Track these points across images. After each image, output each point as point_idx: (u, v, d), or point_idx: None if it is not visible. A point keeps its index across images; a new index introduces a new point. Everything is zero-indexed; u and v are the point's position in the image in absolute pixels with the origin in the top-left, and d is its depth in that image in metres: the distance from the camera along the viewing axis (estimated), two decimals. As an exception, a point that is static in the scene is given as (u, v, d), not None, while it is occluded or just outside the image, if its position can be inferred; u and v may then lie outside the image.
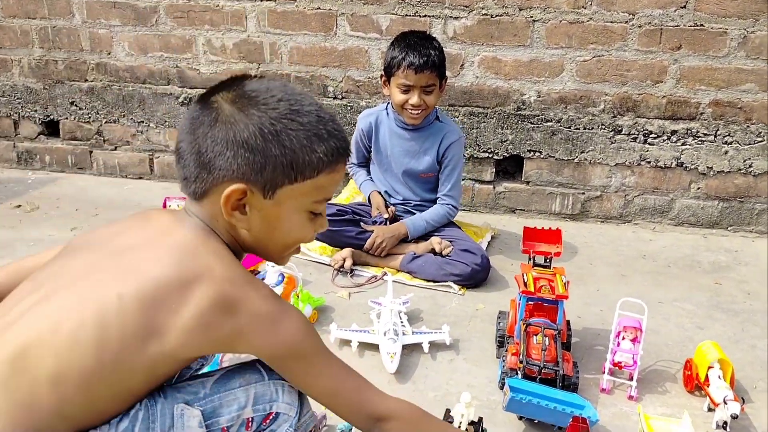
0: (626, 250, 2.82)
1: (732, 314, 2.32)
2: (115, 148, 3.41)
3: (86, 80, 3.28)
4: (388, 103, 2.60)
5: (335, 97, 3.10)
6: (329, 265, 2.53)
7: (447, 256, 2.47)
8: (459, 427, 1.49)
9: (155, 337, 0.99)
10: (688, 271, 2.65)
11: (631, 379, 1.85)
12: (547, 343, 1.81)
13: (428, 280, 2.45)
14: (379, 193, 2.68)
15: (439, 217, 2.61)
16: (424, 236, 2.59)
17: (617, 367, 1.89)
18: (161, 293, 1.00)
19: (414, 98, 2.42)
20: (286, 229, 1.10)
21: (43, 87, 3.34)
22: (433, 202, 2.67)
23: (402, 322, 2.08)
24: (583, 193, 3.07)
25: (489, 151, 3.05)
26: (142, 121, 3.31)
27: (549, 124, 2.97)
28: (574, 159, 3.01)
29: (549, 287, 1.88)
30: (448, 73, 2.92)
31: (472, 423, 1.52)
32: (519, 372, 1.77)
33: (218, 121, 1.02)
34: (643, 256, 2.77)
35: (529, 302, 1.92)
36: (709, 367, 1.82)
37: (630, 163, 2.98)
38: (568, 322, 2.03)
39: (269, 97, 1.04)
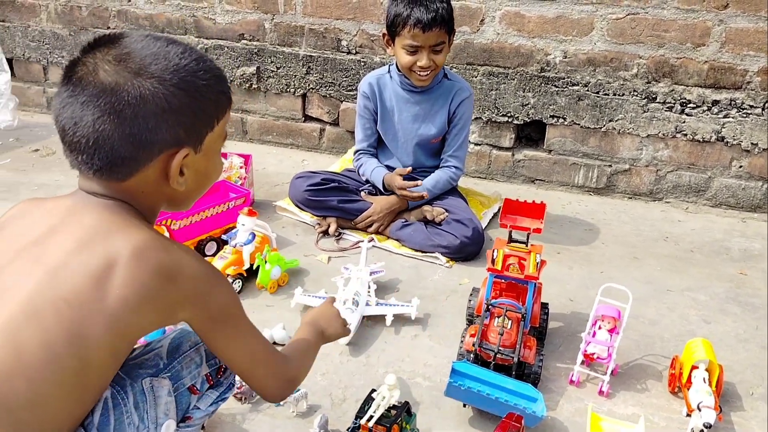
0: (648, 231, 2.57)
1: (749, 309, 2.06)
2: (136, 98, 3.41)
3: (108, 27, 3.27)
4: (391, 64, 2.41)
5: (349, 52, 2.95)
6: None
7: (439, 225, 2.31)
8: (375, 411, 1.37)
9: (103, 326, 0.93)
10: (712, 258, 2.38)
11: (606, 372, 1.67)
12: (509, 327, 1.65)
13: (416, 250, 2.31)
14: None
15: (442, 183, 2.41)
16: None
17: (590, 359, 1.71)
18: (93, 281, 0.93)
19: (423, 59, 2.21)
20: (212, 173, 1.10)
21: (69, 33, 3.36)
22: (433, 167, 2.50)
23: (369, 291, 1.96)
24: (610, 166, 2.81)
25: (509, 115, 2.84)
26: (161, 71, 3.28)
27: (575, 88, 2.72)
28: (601, 128, 2.75)
29: (518, 266, 1.71)
30: (465, 28, 2.73)
31: (394, 407, 1.39)
32: (471, 355, 1.63)
33: (141, 97, 0.96)
34: (665, 239, 2.52)
35: (499, 280, 1.76)
36: (693, 367, 1.61)
37: (664, 134, 2.69)
38: (544, 306, 1.85)
39: (162, 55, 0.99)
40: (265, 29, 3.03)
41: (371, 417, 1.36)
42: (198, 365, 1.18)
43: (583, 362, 1.71)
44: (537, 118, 2.82)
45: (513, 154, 2.92)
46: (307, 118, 3.17)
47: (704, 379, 1.57)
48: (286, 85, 3.10)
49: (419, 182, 2.37)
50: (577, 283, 2.18)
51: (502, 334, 1.62)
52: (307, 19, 2.96)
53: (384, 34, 2.31)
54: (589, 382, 1.71)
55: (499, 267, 1.70)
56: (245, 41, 3.08)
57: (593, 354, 1.69)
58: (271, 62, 3.07)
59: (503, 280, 1.75)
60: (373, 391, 1.44)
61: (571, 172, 2.87)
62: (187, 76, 0.99)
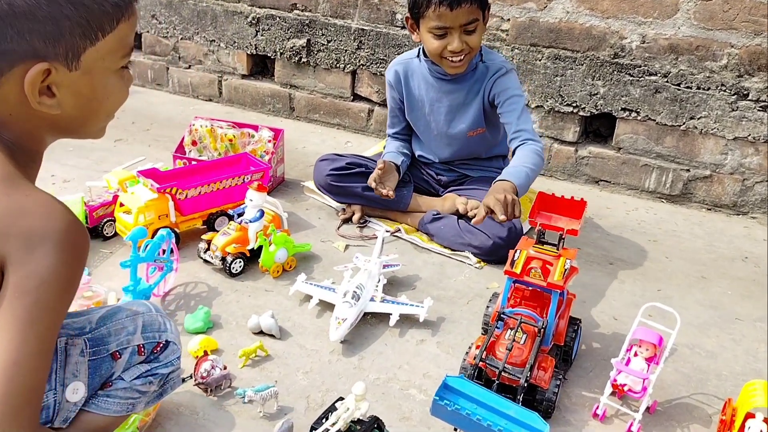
0: (724, 248, 2.20)
1: (838, 353, 1.69)
2: (189, 67, 3.32)
3: (160, -7, 3.21)
4: (421, 47, 2.09)
5: (403, 26, 2.72)
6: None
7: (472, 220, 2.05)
8: (333, 424, 1.15)
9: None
10: (800, 286, 2.00)
11: (639, 409, 1.38)
12: (523, 342, 1.38)
13: (445, 246, 2.06)
14: (396, 166, 2.13)
15: (534, 161, 1.92)
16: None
17: (621, 392, 1.41)
18: None
19: (454, 42, 1.89)
20: (102, 96, 0.94)
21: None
22: (485, 159, 2.24)
23: (377, 285, 1.74)
24: (688, 170, 2.45)
25: (574, 105, 2.53)
26: (213, 40, 3.18)
27: (652, 78, 2.38)
28: (680, 125, 2.40)
29: (542, 271, 1.44)
30: (531, 4, 2.45)
31: (359, 422, 1.17)
32: (470, 370, 1.38)
33: None
34: (743, 259, 2.14)
35: (522, 286, 1.50)
36: (749, 416, 1.29)
37: (755, 138, 2.30)
38: (574, 321, 1.57)
39: None
40: (318, -1, 2.85)
41: (327, 430, 1.14)
42: (130, 333, 1.11)
43: (613, 393, 1.43)
44: (606, 110, 2.49)
45: (576, 150, 2.61)
46: (356, 97, 2.97)
47: (762, 430, 1.26)
48: (336, 60, 2.91)
49: (389, 191, 2.02)
50: (626, 300, 1.87)
51: (510, 349, 1.36)
52: (360, -10, 2.76)
53: (407, 18, 2.00)
54: (617, 418, 1.42)
55: (518, 270, 1.44)
56: (297, 11, 2.92)
57: (624, 385, 1.40)
58: (322, 35, 2.89)
59: (527, 287, 1.49)
60: (340, 399, 1.23)
61: (642, 174, 2.53)
62: None
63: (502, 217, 1.72)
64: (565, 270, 1.43)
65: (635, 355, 1.42)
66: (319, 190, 2.25)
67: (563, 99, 2.54)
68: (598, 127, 2.63)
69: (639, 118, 2.45)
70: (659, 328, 1.46)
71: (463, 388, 1.31)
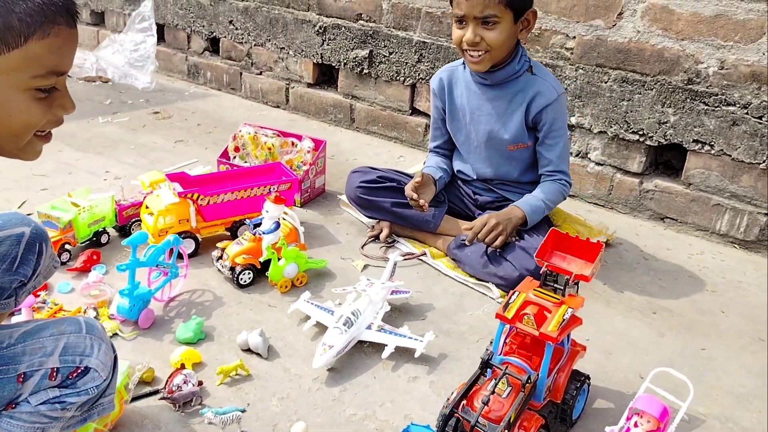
0: (797, 307, 1.92)
1: None
2: (260, 73, 3.37)
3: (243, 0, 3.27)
4: None
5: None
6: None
7: (503, 249, 1.91)
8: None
9: None
10: None
11: (635, 489, 1.20)
12: (505, 395, 1.25)
13: (470, 275, 1.93)
14: (434, 180, 2.05)
15: (554, 195, 1.98)
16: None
17: (615, 465, 1.24)
18: None
19: (468, 32, 1.82)
20: (4, 113, 0.89)
21: (210, 3, 3.42)
22: (527, 183, 2.09)
23: (378, 312, 1.64)
24: (766, 214, 2.17)
25: (641, 133, 2.31)
26: (284, 48, 3.20)
27: (730, 108, 2.13)
28: (759, 163, 2.13)
29: (533, 318, 1.29)
30: (599, 22, 2.27)
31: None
32: (439, 419, 1.26)
33: None
34: (818, 323, 1.86)
35: (516, 332, 1.35)
36: None
37: None
38: (578, 377, 1.40)
39: None
40: (383, 9, 2.79)
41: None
42: (46, 354, 1.01)
43: (609, 466, 1.25)
44: (676, 140, 2.26)
45: (641, 182, 2.38)
46: (414, 111, 2.88)
47: None
48: (397, 72, 2.84)
49: (424, 201, 1.93)
50: (661, 356, 1.66)
51: (487, 402, 1.22)
52: (425, 1, 2.67)
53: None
54: (611, 496, 1.25)
55: (509, 315, 1.30)
56: (362, 21, 2.88)
57: (618, 460, 1.22)
58: (384, 46, 2.83)
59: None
60: (284, 437, 1.15)
61: (713, 215, 2.27)
62: None
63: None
64: (564, 320, 1.28)
65: (635, 425, 1.24)
66: (349, 202, 2.19)
67: (629, 126, 2.32)
68: (669, 159, 2.39)
69: (713, 152, 2.19)
70: (669, 398, 1.27)
71: (426, 439, 1.20)
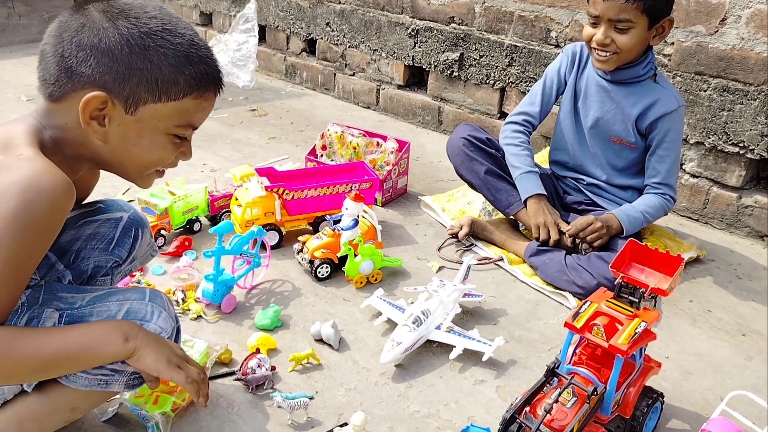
0: None
1: None
2: (353, 74, 3.45)
3: (340, 2, 3.35)
4: None
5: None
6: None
7: (583, 254, 1.88)
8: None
9: None
10: None
11: None
12: (570, 405, 1.23)
13: (547, 283, 1.90)
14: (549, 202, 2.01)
15: (655, 210, 1.94)
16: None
17: (683, 488, 1.19)
18: None
19: (599, 33, 1.82)
20: (145, 147, 1.07)
21: (309, 5, 3.53)
22: (619, 188, 2.03)
23: (447, 313, 1.65)
24: None
25: (741, 145, 2.19)
26: (376, 50, 3.26)
27: (844, 122, 1.98)
28: None
29: (603, 330, 1.26)
30: (700, 28, 2.18)
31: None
32: (501, 423, 1.25)
33: (85, 27, 1.00)
34: None
35: (588, 341, 1.33)
36: None
37: None
38: (651, 394, 1.35)
39: (142, 13, 1.02)
40: (475, 13, 2.79)
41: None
42: (111, 316, 1.10)
43: (678, 488, 1.21)
44: (781, 154, 2.13)
45: (740, 197, 2.26)
46: (502, 114, 2.86)
47: None
48: (486, 75, 2.83)
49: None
50: (745, 381, 1.57)
51: (549, 411, 1.21)
52: (518, 5, 2.64)
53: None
54: None
55: (578, 324, 1.28)
56: (454, 24, 2.88)
57: (686, 482, 1.18)
58: (475, 49, 2.83)
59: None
60: (344, 425, 1.18)
61: (819, 235, 2.12)
62: (143, 35, 1.00)
63: (565, 231, 1.91)
64: (636, 333, 1.24)
65: (707, 449, 1.19)
66: (447, 154, 2.18)
67: (728, 137, 2.21)
68: (766, 173, 2.26)
69: (822, 167, 2.05)
70: (747, 425, 1.20)
71: (484, 442, 1.20)
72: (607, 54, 1.84)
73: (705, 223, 2.36)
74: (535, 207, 1.97)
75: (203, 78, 1.05)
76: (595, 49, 1.87)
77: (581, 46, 2.04)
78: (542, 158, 2.43)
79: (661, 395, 1.38)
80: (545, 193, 2.00)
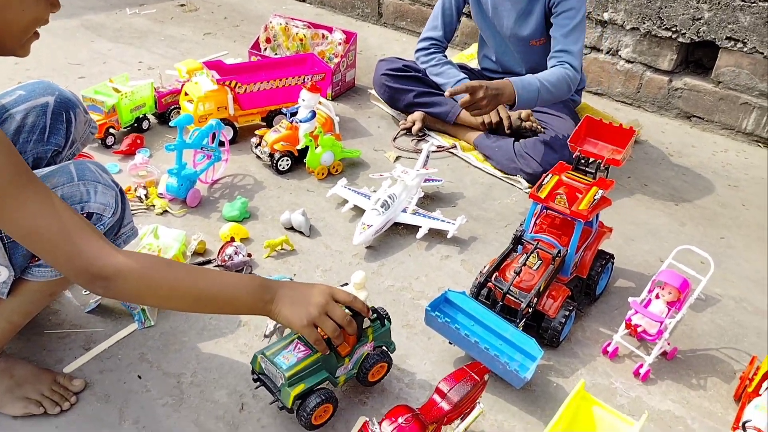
0: (817, 203, 1.98)
1: None
2: (286, -34, 3.32)
3: None
4: None
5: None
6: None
7: (530, 131, 1.98)
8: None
9: None
10: None
11: (651, 352, 1.31)
12: (536, 267, 1.34)
13: (497, 169, 1.99)
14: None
15: (555, 79, 1.87)
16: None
17: (634, 332, 1.34)
18: None
19: None
20: (17, 8, 0.94)
21: None
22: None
23: (412, 198, 1.72)
24: (794, 113, 2.19)
25: (673, 29, 2.30)
26: (310, -61, 3.14)
27: (766, 5, 2.10)
28: (792, 61, 2.13)
29: (567, 198, 1.36)
30: None
31: (353, 314, 1.18)
32: (474, 287, 1.36)
33: None
34: (837, 217, 1.92)
35: (552, 213, 1.43)
36: (767, 376, 1.20)
37: None
38: (603, 256, 1.49)
39: None
40: None
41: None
42: None
43: (629, 334, 1.36)
44: (709, 38, 2.25)
45: (671, 80, 2.39)
46: (443, 6, 2.85)
47: (776, 394, 1.16)
48: (426, -35, 2.79)
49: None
50: (681, 243, 1.71)
51: (519, 273, 1.32)
52: None
53: None
54: (629, 359, 1.36)
55: (543, 195, 1.37)
56: None
57: (638, 326, 1.33)
58: (415, -62, 2.78)
59: (558, 214, 1.42)
60: (345, 285, 1.25)
61: (740, 113, 2.29)
62: None
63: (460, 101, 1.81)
64: (594, 200, 1.35)
65: (657, 297, 1.34)
66: (375, 91, 2.22)
67: (662, 22, 2.31)
68: (700, 57, 2.39)
69: (745, 49, 2.19)
70: (691, 273, 1.36)
71: (463, 304, 1.30)
72: None
73: (638, 107, 2.50)
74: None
75: None
76: None
77: None
78: (470, 56, 2.48)
79: (612, 256, 1.52)
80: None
